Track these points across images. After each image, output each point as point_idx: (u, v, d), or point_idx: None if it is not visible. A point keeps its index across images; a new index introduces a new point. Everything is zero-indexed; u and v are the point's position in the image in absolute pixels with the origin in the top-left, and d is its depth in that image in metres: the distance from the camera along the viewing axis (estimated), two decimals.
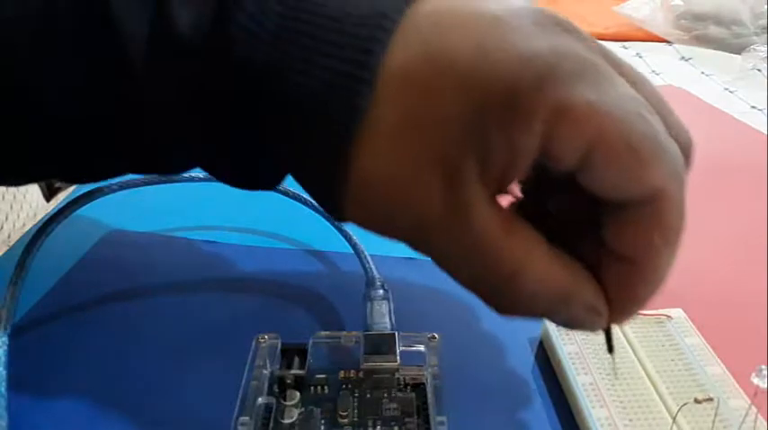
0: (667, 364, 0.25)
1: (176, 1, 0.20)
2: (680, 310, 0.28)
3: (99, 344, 0.27)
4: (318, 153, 0.19)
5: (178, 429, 0.23)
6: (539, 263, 0.19)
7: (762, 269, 0.32)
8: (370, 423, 0.22)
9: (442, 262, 0.20)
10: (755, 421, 0.22)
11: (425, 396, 0.23)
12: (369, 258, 0.30)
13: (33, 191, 0.41)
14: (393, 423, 0.22)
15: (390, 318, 0.26)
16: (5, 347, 0.24)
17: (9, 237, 0.38)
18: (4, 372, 0.23)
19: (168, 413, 0.24)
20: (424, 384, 0.23)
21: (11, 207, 0.39)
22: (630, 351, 0.25)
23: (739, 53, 0.61)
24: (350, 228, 0.32)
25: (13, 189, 0.40)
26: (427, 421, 0.22)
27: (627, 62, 0.20)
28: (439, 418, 0.21)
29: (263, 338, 0.24)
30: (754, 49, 0.60)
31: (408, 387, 0.23)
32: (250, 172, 0.23)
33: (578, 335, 0.26)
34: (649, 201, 0.18)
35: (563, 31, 0.18)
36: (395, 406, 0.22)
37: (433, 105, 0.18)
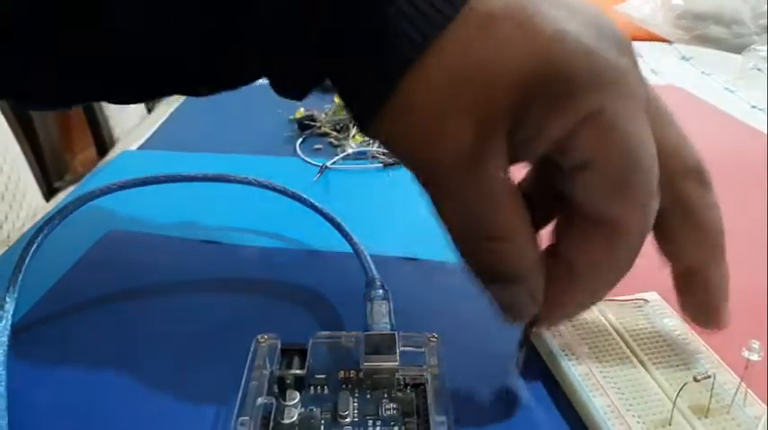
0: (652, 345, 0.26)
1: None
2: (655, 294, 0.28)
3: (98, 344, 0.27)
4: (373, 67, 0.20)
5: (178, 429, 0.23)
6: (525, 238, 0.21)
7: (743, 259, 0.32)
8: (369, 423, 0.22)
9: (441, 202, 0.21)
10: (745, 395, 0.23)
11: (425, 396, 0.22)
12: (368, 258, 0.30)
13: (33, 191, 0.42)
14: (393, 423, 0.22)
15: (390, 318, 0.26)
16: (5, 347, 0.24)
17: (8, 236, 0.38)
18: (3, 372, 0.23)
19: (168, 413, 0.24)
20: (423, 384, 0.23)
21: (10, 207, 0.39)
22: (616, 336, 0.26)
23: (740, 53, 0.61)
24: (350, 228, 0.32)
25: (12, 189, 0.40)
26: (427, 421, 0.21)
27: (659, 99, 0.21)
28: (439, 418, 0.21)
29: (263, 338, 0.24)
30: (755, 48, 0.60)
31: (408, 387, 0.23)
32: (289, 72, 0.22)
33: (566, 328, 0.26)
34: (609, 225, 0.20)
35: (630, 55, 0.20)
36: (395, 406, 0.22)
37: (502, 59, 0.19)
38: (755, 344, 0.21)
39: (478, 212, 0.20)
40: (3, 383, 0.23)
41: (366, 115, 0.21)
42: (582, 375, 0.24)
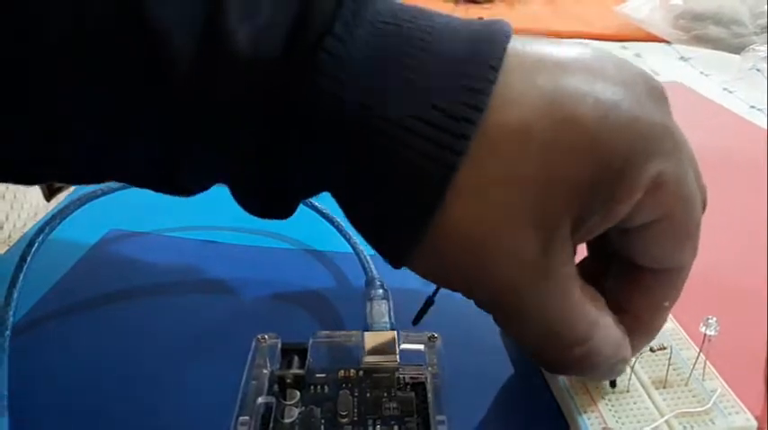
0: None
1: (234, 14, 0.17)
2: None
3: (99, 343, 0.27)
4: (397, 202, 0.18)
5: (178, 429, 0.23)
6: (607, 323, 0.20)
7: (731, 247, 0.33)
8: (369, 422, 0.22)
9: (512, 322, 0.20)
10: (704, 367, 0.24)
11: (425, 395, 0.23)
12: (368, 258, 0.30)
13: (34, 190, 0.41)
14: (393, 422, 0.22)
15: (390, 318, 0.26)
16: (6, 347, 0.24)
17: (9, 236, 0.38)
18: (4, 372, 0.23)
19: (168, 413, 0.24)
20: (423, 383, 0.23)
21: (11, 206, 0.39)
22: None
23: (738, 53, 0.61)
24: (350, 228, 0.32)
25: (13, 188, 0.40)
26: (427, 420, 0.22)
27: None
28: (439, 418, 0.21)
29: (263, 338, 0.24)
30: (754, 48, 0.60)
31: (408, 386, 0.23)
32: (276, 203, 0.21)
33: None
34: (670, 273, 0.21)
35: (665, 103, 0.19)
36: (395, 405, 0.22)
37: (550, 164, 0.17)
38: (711, 320, 0.23)
39: (559, 322, 0.19)
40: (4, 383, 0.23)
41: (398, 257, 0.19)
42: None
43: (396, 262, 0.20)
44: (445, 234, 0.18)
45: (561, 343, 0.20)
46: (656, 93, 0.19)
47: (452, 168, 0.17)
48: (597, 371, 0.21)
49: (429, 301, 0.24)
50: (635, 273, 0.21)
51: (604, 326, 0.20)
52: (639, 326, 0.22)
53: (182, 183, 0.21)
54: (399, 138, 0.17)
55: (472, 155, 0.17)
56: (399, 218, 0.18)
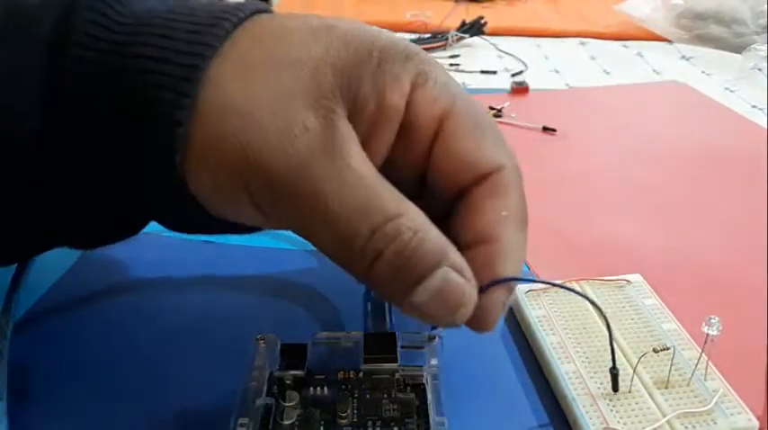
0: (627, 323, 0.27)
1: None
2: (638, 276, 0.30)
3: (98, 343, 0.27)
4: (153, 110, 0.18)
5: (177, 429, 0.23)
6: (416, 211, 0.19)
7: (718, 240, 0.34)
8: (369, 423, 0.22)
9: (312, 211, 0.18)
10: (706, 367, 0.24)
11: (425, 396, 0.22)
12: None
13: None
14: (393, 423, 0.22)
15: (390, 318, 0.26)
16: (6, 346, 0.24)
17: None
18: (4, 374, 0.23)
19: (167, 413, 0.24)
20: (423, 384, 0.23)
21: None
22: (593, 310, 0.27)
23: (740, 52, 0.61)
24: None
25: None
26: (427, 422, 0.21)
27: None
28: (438, 419, 0.21)
29: (263, 339, 0.24)
30: (755, 48, 0.59)
31: (408, 387, 0.23)
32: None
33: (545, 303, 0.28)
34: (493, 179, 0.21)
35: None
36: (394, 406, 0.22)
37: (314, 51, 0.19)
38: (713, 320, 0.23)
39: (361, 196, 0.18)
40: (3, 385, 0.23)
41: (172, 164, 0.19)
42: (554, 344, 0.25)
43: (173, 178, 0.19)
44: (215, 112, 0.18)
45: (364, 228, 0.18)
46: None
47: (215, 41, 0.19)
48: (421, 285, 0.19)
49: None
50: (461, 199, 0.21)
51: (415, 213, 0.19)
52: (495, 248, 0.20)
53: None
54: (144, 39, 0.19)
55: (232, 42, 0.19)
56: (156, 125, 0.19)
